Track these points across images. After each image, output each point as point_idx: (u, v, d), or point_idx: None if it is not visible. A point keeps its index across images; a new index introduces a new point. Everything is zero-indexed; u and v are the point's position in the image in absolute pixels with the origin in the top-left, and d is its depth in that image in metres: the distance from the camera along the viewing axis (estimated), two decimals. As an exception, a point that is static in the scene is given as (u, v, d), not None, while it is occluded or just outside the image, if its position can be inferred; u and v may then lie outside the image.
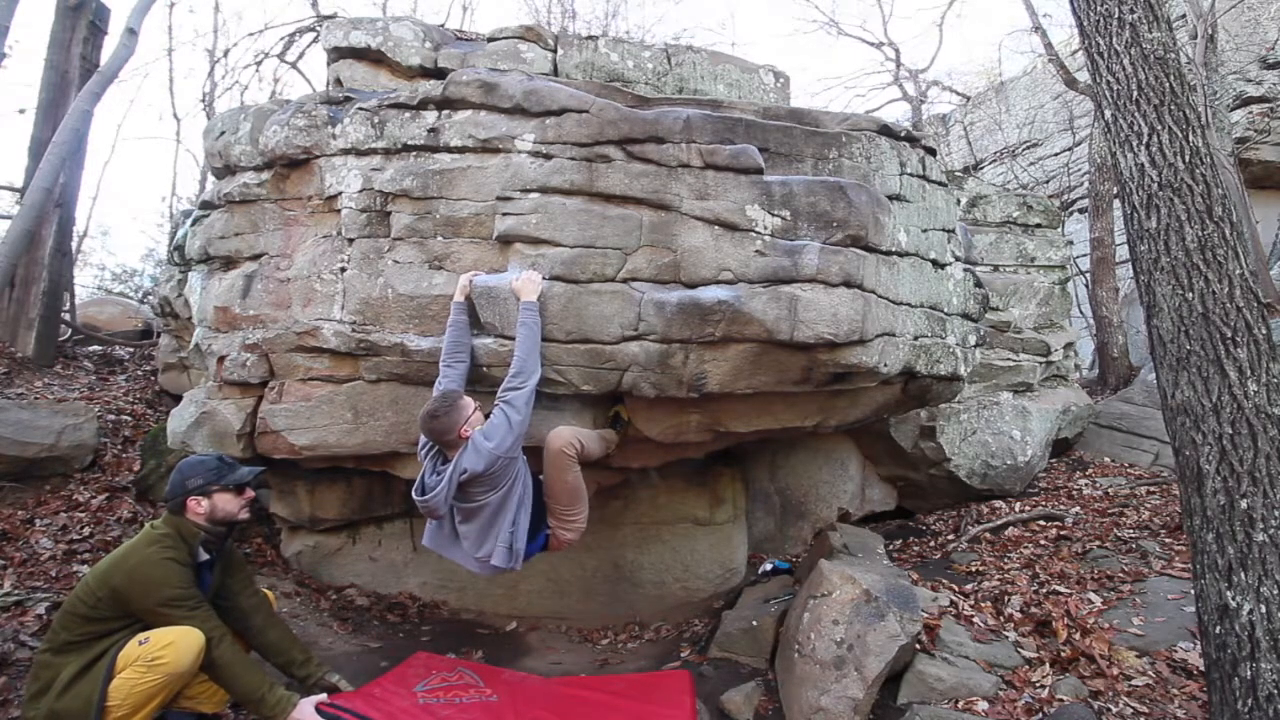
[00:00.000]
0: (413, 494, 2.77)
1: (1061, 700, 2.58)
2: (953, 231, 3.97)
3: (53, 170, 5.52)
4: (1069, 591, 3.40)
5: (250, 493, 2.61)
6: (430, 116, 3.33)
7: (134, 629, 2.30)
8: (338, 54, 4.22)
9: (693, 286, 3.00)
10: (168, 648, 2.20)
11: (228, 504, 2.53)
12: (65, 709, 2.16)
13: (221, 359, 3.53)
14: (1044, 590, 3.44)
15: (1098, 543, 4.05)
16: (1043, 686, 2.67)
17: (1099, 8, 2.52)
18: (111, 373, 5.99)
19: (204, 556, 2.50)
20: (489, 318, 3.07)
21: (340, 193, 3.38)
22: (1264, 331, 2.24)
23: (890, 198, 3.39)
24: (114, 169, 30.60)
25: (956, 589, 3.55)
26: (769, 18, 33.02)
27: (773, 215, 3.01)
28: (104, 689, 2.16)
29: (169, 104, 19.92)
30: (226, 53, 10.56)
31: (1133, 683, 2.65)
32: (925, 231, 3.63)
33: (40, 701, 2.19)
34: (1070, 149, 11.56)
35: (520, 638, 3.97)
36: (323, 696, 2.46)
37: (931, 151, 3.89)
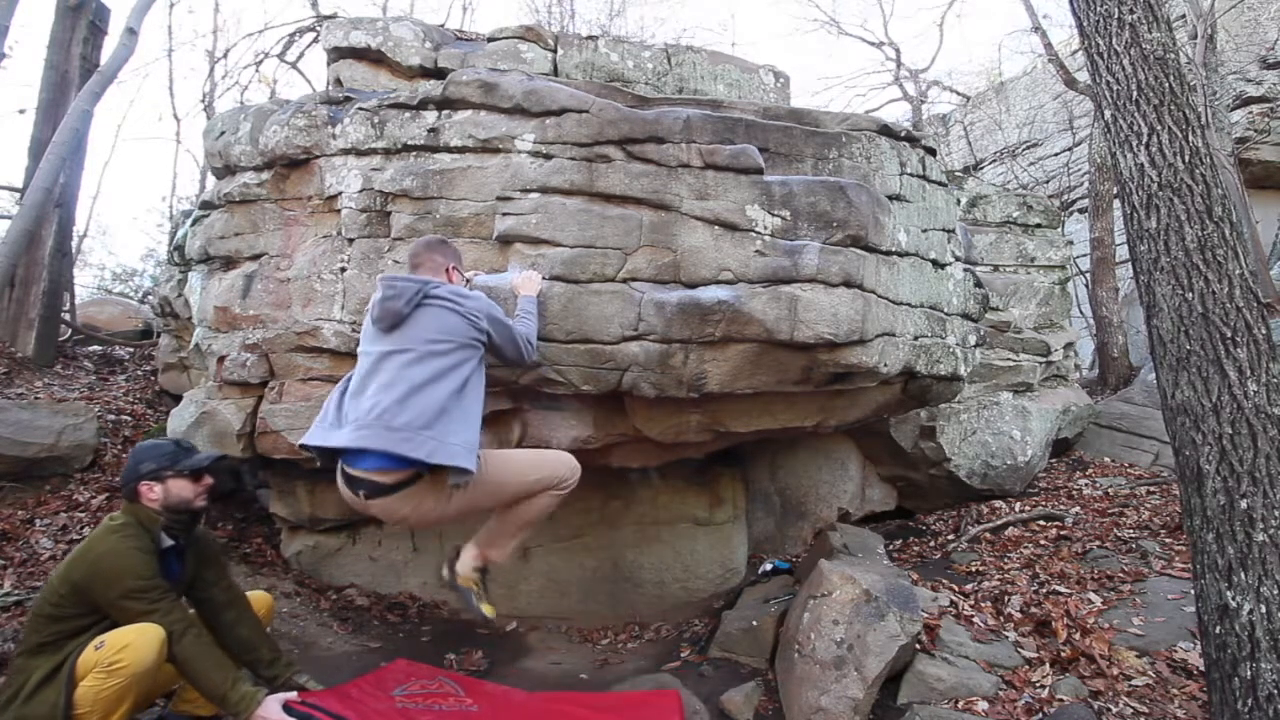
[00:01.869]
0: (377, 280, 2.52)
1: (1061, 700, 2.58)
2: (953, 231, 3.97)
3: (53, 170, 5.52)
4: (1069, 591, 3.40)
5: (208, 480, 2.48)
6: (430, 116, 3.33)
7: (103, 626, 2.21)
8: (338, 54, 4.22)
9: (693, 286, 3.00)
10: (124, 650, 2.11)
11: (182, 490, 2.41)
12: (32, 715, 2.09)
13: (221, 359, 3.53)
14: (1044, 590, 3.44)
15: (1098, 543, 4.05)
16: (1043, 686, 2.67)
17: (1099, 8, 2.52)
18: (111, 373, 5.99)
19: (167, 543, 2.39)
20: (489, 318, 3.07)
21: (340, 193, 3.38)
22: (1264, 331, 2.24)
23: (890, 198, 3.39)
24: (114, 169, 30.58)
25: (956, 589, 3.55)
26: (769, 17, 33.03)
27: (773, 215, 3.01)
28: (68, 696, 2.08)
29: (169, 104, 19.89)
30: (226, 53, 10.56)
31: (1133, 683, 2.65)
32: (925, 231, 3.63)
33: (11, 707, 2.12)
34: (1070, 149, 11.56)
35: (520, 638, 3.97)
36: (292, 694, 2.35)
37: (931, 151, 3.89)
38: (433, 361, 2.40)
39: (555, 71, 4.23)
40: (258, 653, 2.55)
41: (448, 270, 2.67)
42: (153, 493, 2.37)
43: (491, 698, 2.79)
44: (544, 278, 3.00)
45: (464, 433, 2.36)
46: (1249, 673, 2.09)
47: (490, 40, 4.24)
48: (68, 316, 6.57)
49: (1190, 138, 2.36)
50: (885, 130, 3.61)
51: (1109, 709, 2.51)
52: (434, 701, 2.66)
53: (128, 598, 2.20)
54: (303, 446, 2.52)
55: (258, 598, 2.76)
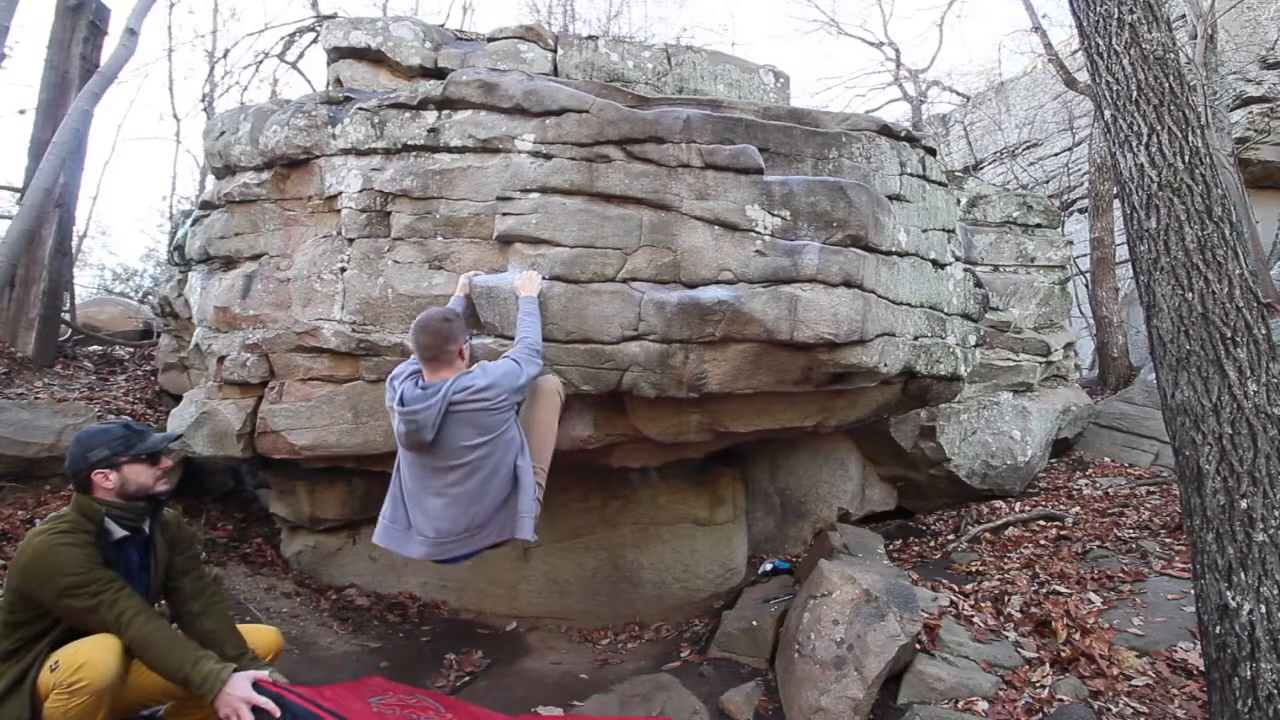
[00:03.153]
0: (388, 404, 2.45)
1: (1061, 700, 2.58)
2: (953, 231, 3.97)
3: (53, 170, 5.52)
4: (1069, 591, 3.40)
5: (166, 462, 2.31)
6: (430, 116, 3.33)
7: (60, 628, 2.09)
8: (338, 54, 4.22)
9: (693, 286, 3.00)
10: (81, 669, 1.97)
11: (140, 475, 2.22)
12: None
13: (221, 359, 3.53)
14: (1044, 590, 3.44)
15: (1098, 543, 4.05)
16: (1043, 686, 2.67)
17: (1098, 8, 2.52)
18: (111, 373, 5.99)
19: (119, 533, 2.20)
20: (489, 317, 3.07)
21: (340, 193, 3.38)
22: (1264, 331, 2.24)
23: (890, 198, 3.39)
24: (114, 169, 30.61)
25: (956, 589, 3.55)
26: (769, 18, 33.04)
27: (773, 215, 3.01)
28: (33, 711, 1.98)
29: (169, 104, 19.94)
30: (226, 53, 10.54)
31: (1133, 683, 2.65)
32: (925, 231, 3.63)
33: None
34: (1070, 149, 11.56)
35: (520, 638, 3.97)
36: (263, 673, 2.16)
37: (931, 151, 3.89)
38: (481, 468, 2.47)
39: (555, 71, 4.23)
40: (222, 648, 2.31)
41: (460, 352, 2.56)
42: (108, 481, 2.19)
43: (475, 718, 2.68)
44: (544, 278, 3.00)
45: (524, 500, 2.55)
46: (1249, 673, 2.09)
47: (490, 40, 4.25)
48: (68, 316, 6.57)
49: (1190, 138, 2.36)
50: (885, 130, 3.61)
51: (1109, 709, 2.51)
52: (411, 713, 2.53)
53: (65, 596, 2.05)
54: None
55: (265, 636, 2.53)
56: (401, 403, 2.41)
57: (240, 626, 2.42)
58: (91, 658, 1.99)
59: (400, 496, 2.60)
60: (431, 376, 2.49)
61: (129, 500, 2.22)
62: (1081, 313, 9.43)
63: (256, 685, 2.09)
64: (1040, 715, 2.53)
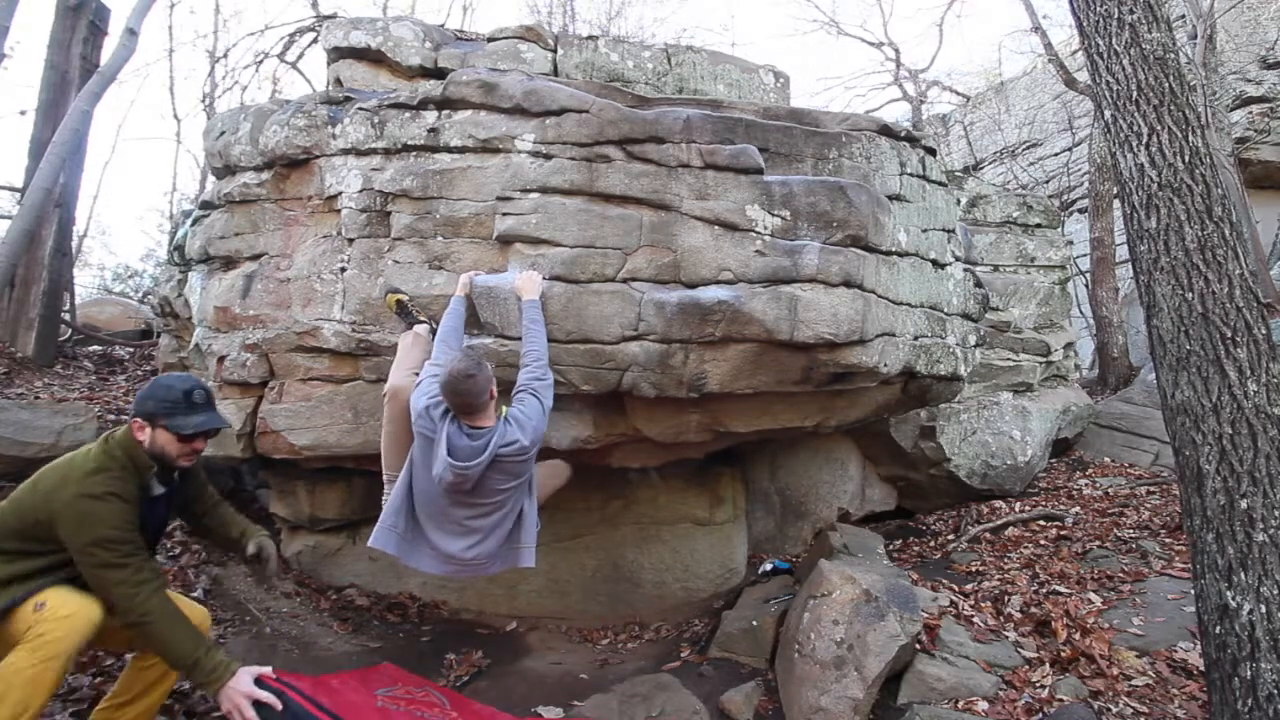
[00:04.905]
0: (442, 458, 2.44)
1: (1061, 700, 2.58)
2: (953, 231, 3.97)
3: (53, 170, 5.52)
4: (1069, 591, 3.40)
5: (199, 443, 2.28)
6: (430, 116, 3.33)
7: (54, 575, 2.03)
8: (338, 54, 4.22)
9: (693, 286, 3.00)
10: (64, 620, 1.91)
11: (168, 444, 2.18)
12: None
13: (221, 359, 3.53)
14: (1044, 590, 3.44)
15: (1098, 543, 4.05)
16: (1043, 686, 2.67)
17: (1098, 8, 2.52)
18: (111, 373, 5.99)
19: (159, 490, 2.22)
20: (489, 318, 3.07)
21: (340, 193, 3.38)
22: (1264, 331, 2.24)
23: (890, 198, 3.39)
24: (114, 169, 30.68)
25: (956, 589, 3.55)
26: (769, 18, 33.04)
27: (773, 215, 3.01)
28: None
29: (169, 104, 19.94)
30: (226, 53, 10.57)
31: (1133, 683, 2.65)
32: (925, 231, 3.63)
33: None
34: (1070, 149, 11.56)
35: (520, 638, 3.97)
36: (267, 670, 2.17)
37: (931, 151, 3.89)
38: (503, 507, 2.65)
39: (555, 71, 4.23)
40: (229, 533, 2.55)
41: (491, 393, 2.61)
42: (142, 433, 2.17)
43: (479, 717, 2.70)
44: (544, 278, 3.00)
45: (528, 534, 2.74)
46: (1249, 673, 2.10)
47: (490, 40, 4.24)
48: (68, 316, 6.57)
49: (1190, 138, 2.36)
50: (885, 130, 3.61)
51: (1109, 709, 2.51)
52: (417, 708, 2.54)
53: (98, 546, 2.00)
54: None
55: (195, 613, 2.36)
56: (450, 452, 2.46)
57: (176, 598, 2.25)
58: (79, 612, 1.95)
59: (410, 511, 2.66)
60: (469, 421, 2.54)
61: (153, 458, 2.20)
62: (1081, 313, 9.43)
63: (259, 680, 2.07)
64: (1040, 715, 2.53)
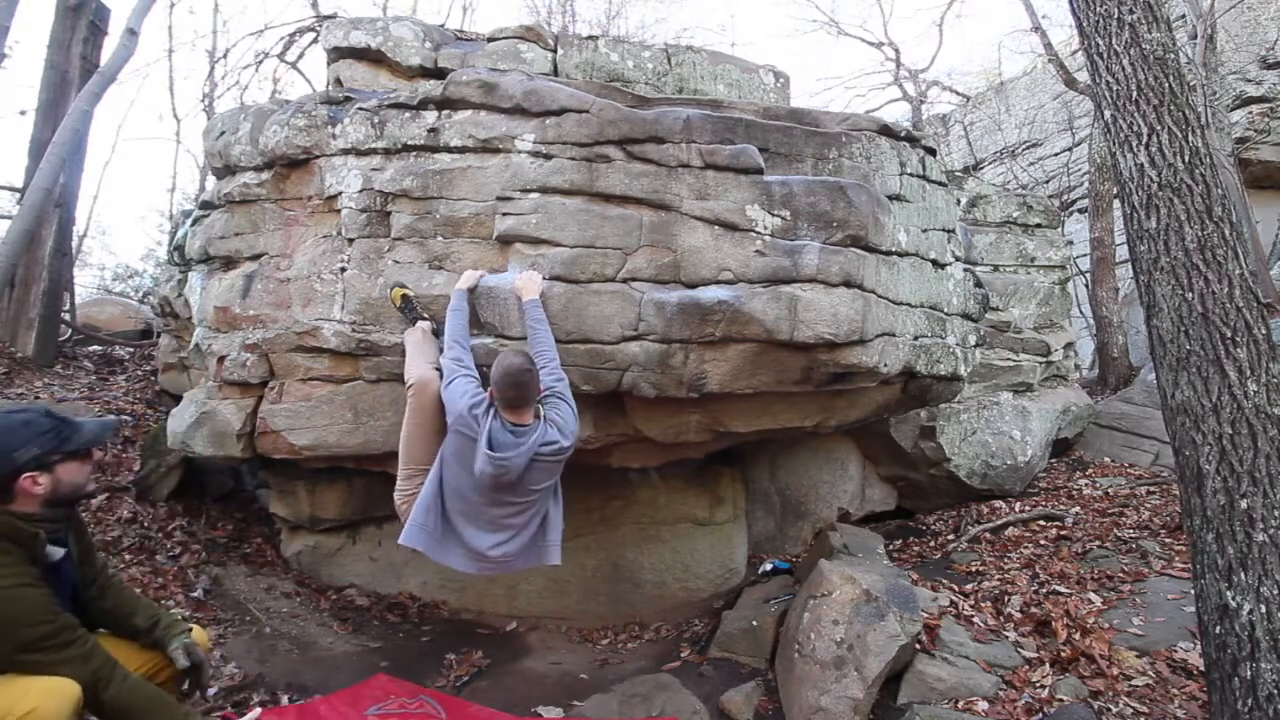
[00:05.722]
0: (484, 452, 2.42)
1: (1061, 700, 2.58)
2: (953, 231, 3.97)
3: (53, 170, 5.52)
4: (1069, 591, 3.40)
5: (97, 453, 2.11)
6: (430, 116, 3.33)
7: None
8: (338, 54, 4.22)
9: (693, 286, 3.00)
10: (27, 716, 1.62)
11: (74, 475, 1.86)
12: None
13: (221, 359, 3.53)
14: (1044, 590, 3.44)
15: (1098, 543, 4.05)
16: (1043, 686, 2.67)
17: (1098, 8, 2.52)
18: (111, 373, 5.99)
19: (57, 554, 1.85)
20: (489, 318, 3.07)
21: (340, 193, 3.38)
22: (1264, 331, 2.24)
23: (890, 198, 3.39)
24: (114, 169, 30.66)
25: (956, 589, 3.55)
26: (769, 18, 33.03)
27: (773, 215, 3.01)
28: None
29: (169, 104, 19.95)
30: (226, 53, 10.55)
31: (1133, 683, 2.65)
32: (925, 231, 3.63)
33: None
34: (1070, 149, 11.57)
35: (520, 638, 3.97)
36: (256, 712, 2.06)
37: (931, 151, 3.89)
38: (535, 505, 2.70)
39: (555, 71, 4.23)
40: (133, 622, 2.06)
41: (539, 389, 2.65)
42: (37, 487, 1.79)
43: (475, 719, 2.68)
44: (544, 278, 3.00)
45: (554, 532, 2.79)
46: (1249, 673, 2.10)
47: (490, 40, 4.24)
48: (68, 316, 6.57)
49: (1190, 138, 2.36)
50: (885, 130, 3.61)
51: (1109, 709, 2.51)
52: (411, 719, 2.52)
53: (28, 650, 1.69)
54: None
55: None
56: (491, 446, 2.46)
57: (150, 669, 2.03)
58: (42, 706, 1.63)
59: (442, 510, 2.66)
60: (513, 417, 2.55)
61: (55, 508, 1.86)
62: (1081, 313, 9.44)
63: None
64: (1040, 715, 2.53)
